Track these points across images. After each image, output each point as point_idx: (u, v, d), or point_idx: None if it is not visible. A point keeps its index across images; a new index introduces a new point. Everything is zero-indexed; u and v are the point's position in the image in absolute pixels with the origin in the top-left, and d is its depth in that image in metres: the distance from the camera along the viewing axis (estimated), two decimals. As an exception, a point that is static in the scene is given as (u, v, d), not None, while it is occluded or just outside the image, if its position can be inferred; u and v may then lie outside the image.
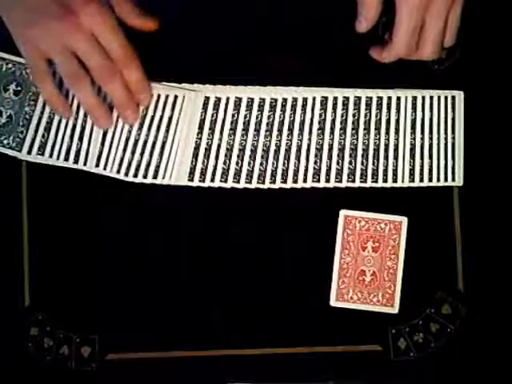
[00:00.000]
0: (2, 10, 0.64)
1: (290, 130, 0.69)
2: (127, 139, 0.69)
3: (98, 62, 0.62)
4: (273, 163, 0.69)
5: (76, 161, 0.69)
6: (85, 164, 0.69)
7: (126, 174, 0.68)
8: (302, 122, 0.69)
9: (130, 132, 0.69)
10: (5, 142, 0.70)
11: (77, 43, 0.62)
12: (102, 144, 0.69)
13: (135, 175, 0.68)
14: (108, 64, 0.62)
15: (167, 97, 0.69)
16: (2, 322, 0.69)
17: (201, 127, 0.69)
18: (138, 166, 0.69)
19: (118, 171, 0.69)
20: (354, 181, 0.69)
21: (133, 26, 0.65)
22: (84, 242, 0.69)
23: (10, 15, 0.64)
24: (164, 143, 0.69)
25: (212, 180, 0.69)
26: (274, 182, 0.69)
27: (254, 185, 0.69)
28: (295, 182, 0.69)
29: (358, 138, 0.69)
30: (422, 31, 0.63)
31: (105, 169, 0.69)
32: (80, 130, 0.69)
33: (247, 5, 0.69)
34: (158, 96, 0.69)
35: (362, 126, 0.69)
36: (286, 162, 0.69)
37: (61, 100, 0.66)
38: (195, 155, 0.69)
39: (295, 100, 0.69)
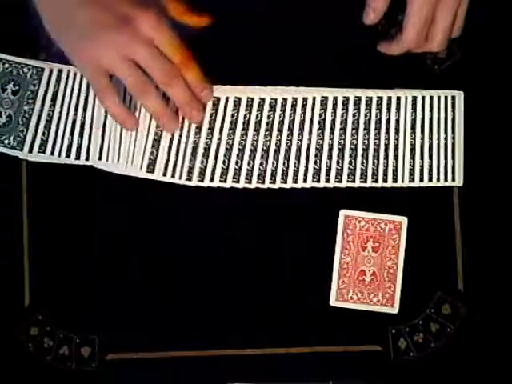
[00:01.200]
0: (54, 32, 0.63)
1: (290, 129, 0.69)
2: (131, 133, 0.69)
3: (161, 68, 0.61)
4: (273, 163, 0.69)
5: (78, 156, 0.69)
6: (87, 159, 0.69)
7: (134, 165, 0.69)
8: (302, 122, 0.69)
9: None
10: (6, 141, 0.70)
11: (137, 52, 0.61)
12: (103, 138, 0.69)
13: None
14: (170, 68, 0.62)
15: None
16: (2, 322, 0.69)
17: (199, 127, 0.69)
18: (142, 160, 0.69)
19: (118, 160, 0.69)
20: (353, 181, 0.69)
21: (187, 24, 0.64)
22: (84, 242, 0.69)
23: (64, 35, 0.63)
24: (160, 139, 0.69)
25: (211, 180, 0.69)
26: (274, 181, 0.69)
27: (253, 185, 0.69)
28: (295, 181, 0.69)
29: (358, 137, 0.69)
30: (431, 23, 0.63)
31: (107, 161, 0.69)
32: (80, 125, 0.69)
33: (246, 5, 0.69)
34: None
35: (362, 126, 0.69)
36: (285, 161, 0.69)
37: (128, 114, 0.65)
38: (194, 155, 0.69)
39: (295, 100, 0.69)
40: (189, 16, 0.64)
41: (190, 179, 0.69)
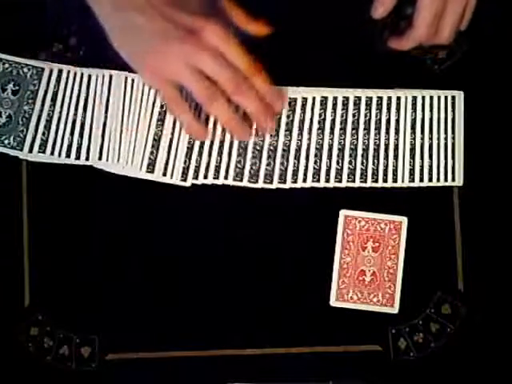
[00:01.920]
0: (119, 44, 0.63)
1: (289, 129, 0.69)
2: (131, 133, 0.69)
3: (229, 77, 0.61)
4: (272, 163, 0.69)
5: (78, 156, 0.69)
6: (87, 159, 0.69)
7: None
8: (302, 122, 0.69)
9: (132, 125, 0.69)
10: (6, 141, 0.70)
11: (204, 62, 0.60)
12: (103, 138, 0.69)
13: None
14: (237, 76, 0.61)
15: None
16: (2, 322, 0.69)
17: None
18: (142, 160, 0.69)
19: (118, 160, 0.69)
20: (353, 181, 0.69)
21: (248, 33, 0.64)
22: (84, 241, 0.69)
23: (129, 47, 0.63)
24: (160, 139, 0.69)
25: (205, 177, 0.69)
26: (271, 182, 0.69)
27: (260, 184, 0.69)
28: (294, 181, 0.69)
29: (358, 137, 0.69)
30: (441, 16, 0.63)
31: (107, 161, 0.69)
32: (80, 125, 0.69)
33: (246, 7, 0.69)
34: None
35: (361, 126, 0.69)
36: (284, 161, 0.69)
37: (201, 125, 0.65)
38: (188, 154, 0.69)
39: (295, 100, 0.69)
40: (251, 24, 0.64)
41: (184, 180, 0.69)
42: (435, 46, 0.66)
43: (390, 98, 0.70)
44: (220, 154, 0.69)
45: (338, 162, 0.69)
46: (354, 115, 0.69)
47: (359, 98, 0.69)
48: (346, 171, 0.69)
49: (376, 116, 0.69)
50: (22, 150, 0.69)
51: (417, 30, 0.64)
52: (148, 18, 0.60)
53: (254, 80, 0.62)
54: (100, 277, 0.69)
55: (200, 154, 0.69)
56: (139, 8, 0.60)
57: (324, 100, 0.69)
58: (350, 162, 0.69)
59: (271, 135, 0.69)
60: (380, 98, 0.70)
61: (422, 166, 0.69)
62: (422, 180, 0.69)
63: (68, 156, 0.69)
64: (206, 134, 0.67)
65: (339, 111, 0.69)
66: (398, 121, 0.70)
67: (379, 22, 0.66)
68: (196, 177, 0.69)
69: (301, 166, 0.69)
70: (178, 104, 0.63)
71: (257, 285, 0.69)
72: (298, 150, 0.69)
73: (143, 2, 0.60)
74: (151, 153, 0.69)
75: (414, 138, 0.69)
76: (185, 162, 0.69)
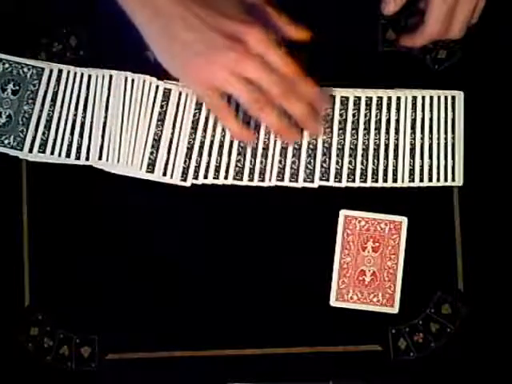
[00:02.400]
0: (162, 55, 0.63)
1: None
2: (131, 133, 0.69)
3: (275, 82, 0.61)
4: (271, 162, 0.69)
5: (78, 157, 0.69)
6: (87, 159, 0.69)
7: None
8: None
9: (132, 126, 0.69)
10: (6, 141, 0.70)
11: (250, 70, 0.60)
12: (103, 138, 0.69)
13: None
14: (284, 82, 0.61)
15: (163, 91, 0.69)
16: (2, 322, 0.69)
17: (195, 127, 0.69)
18: (142, 160, 0.69)
19: (118, 160, 0.69)
20: (353, 181, 0.69)
21: (289, 38, 0.64)
22: (84, 241, 0.69)
23: (172, 57, 0.62)
24: (160, 139, 0.69)
25: (205, 177, 0.69)
26: (263, 180, 0.69)
27: (255, 182, 0.69)
28: (293, 181, 0.69)
29: (357, 137, 0.69)
30: (453, 10, 0.63)
31: (107, 161, 0.69)
32: (80, 125, 0.69)
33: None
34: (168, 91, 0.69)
35: (362, 126, 0.69)
36: (282, 160, 0.69)
37: (248, 130, 0.65)
38: (188, 154, 0.69)
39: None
40: (293, 29, 0.64)
41: (184, 180, 0.69)
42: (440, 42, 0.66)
43: (389, 98, 0.70)
44: (220, 154, 0.69)
45: (337, 162, 0.69)
46: (353, 115, 0.69)
47: (359, 98, 0.69)
48: (345, 171, 0.69)
49: (376, 116, 0.69)
50: (22, 149, 0.69)
51: (429, 26, 0.64)
52: (190, 27, 0.60)
53: (299, 83, 0.62)
54: (100, 277, 0.69)
55: (200, 154, 0.69)
56: (188, 24, 0.60)
57: (324, 100, 0.69)
58: (350, 162, 0.69)
59: (266, 134, 0.69)
60: (380, 98, 0.70)
61: (421, 166, 0.69)
62: (421, 180, 0.69)
63: (68, 156, 0.69)
64: (254, 139, 0.67)
65: (338, 111, 0.69)
66: (398, 121, 0.70)
67: (381, 21, 0.66)
68: (196, 177, 0.69)
69: (301, 166, 0.69)
70: (225, 112, 0.63)
71: (257, 285, 0.69)
72: (299, 150, 0.69)
73: (191, 17, 0.60)
74: (151, 153, 0.69)
75: (414, 138, 0.69)
76: (185, 161, 0.69)
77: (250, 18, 0.61)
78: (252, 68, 0.60)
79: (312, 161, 0.69)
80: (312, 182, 0.69)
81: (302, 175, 0.69)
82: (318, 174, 0.69)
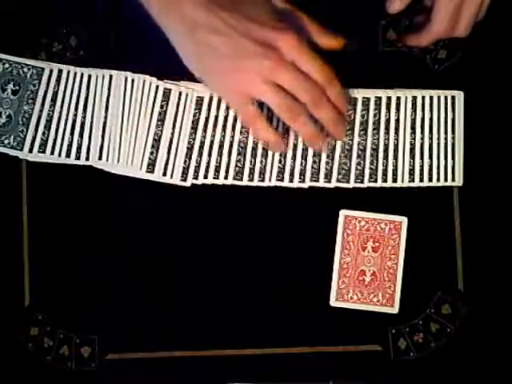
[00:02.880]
0: (197, 69, 0.63)
1: (286, 128, 0.69)
2: (131, 133, 0.69)
3: (307, 89, 0.60)
4: (269, 162, 0.69)
5: (78, 157, 0.69)
6: (87, 159, 0.69)
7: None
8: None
9: (132, 126, 0.69)
10: (6, 141, 0.70)
11: (283, 77, 0.60)
12: (103, 138, 0.69)
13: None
14: (316, 88, 0.61)
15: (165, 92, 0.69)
16: (2, 322, 0.69)
17: (195, 127, 0.69)
18: (142, 160, 0.69)
19: (118, 160, 0.69)
20: (354, 181, 0.69)
21: (322, 45, 0.64)
22: (84, 241, 0.69)
23: (206, 70, 0.62)
24: (160, 139, 0.69)
25: (205, 177, 0.69)
26: (263, 180, 0.69)
27: (255, 182, 0.69)
28: (292, 181, 0.69)
29: (356, 137, 0.69)
30: (460, 8, 0.63)
31: (107, 161, 0.69)
32: (80, 125, 0.69)
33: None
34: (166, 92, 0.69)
35: (361, 127, 0.69)
36: (282, 159, 0.69)
37: (279, 138, 0.65)
38: (188, 154, 0.69)
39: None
40: (325, 37, 0.64)
41: (184, 180, 0.69)
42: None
43: (389, 98, 0.70)
44: (220, 154, 0.69)
45: (334, 162, 0.69)
46: (349, 116, 0.69)
47: (355, 99, 0.69)
48: (335, 171, 0.69)
49: (375, 116, 0.69)
50: (22, 149, 0.69)
51: (436, 24, 0.64)
52: (223, 37, 0.60)
53: (329, 89, 0.61)
54: (100, 277, 0.69)
55: (200, 154, 0.69)
56: (213, 28, 0.60)
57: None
58: (346, 164, 0.69)
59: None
60: (379, 98, 0.70)
61: (421, 166, 0.69)
62: (422, 180, 0.69)
63: (68, 156, 0.69)
64: (286, 147, 0.67)
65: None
66: (397, 121, 0.70)
67: (381, 21, 0.66)
68: (196, 177, 0.69)
69: (296, 166, 0.69)
70: (258, 121, 0.63)
71: (257, 285, 0.69)
72: (295, 149, 0.69)
73: (217, 21, 0.60)
74: (151, 153, 0.69)
75: (414, 138, 0.69)
76: (185, 161, 0.69)
77: (281, 24, 0.60)
78: (286, 76, 0.60)
79: (317, 160, 0.69)
80: (317, 181, 0.69)
81: (308, 175, 0.69)
82: (322, 175, 0.69)
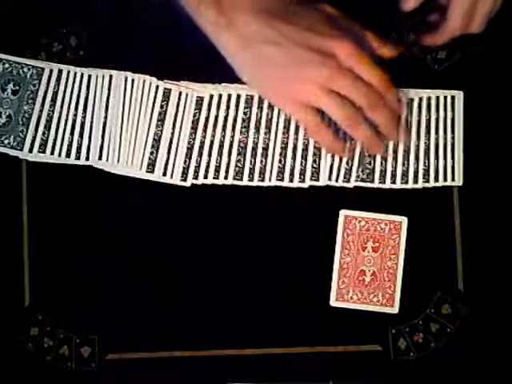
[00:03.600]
0: (253, 81, 0.63)
1: (286, 128, 0.69)
2: (131, 133, 0.69)
3: (365, 95, 0.61)
4: (266, 161, 0.69)
5: (78, 156, 0.69)
6: (87, 159, 0.69)
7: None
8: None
9: (132, 126, 0.69)
10: (6, 141, 0.70)
11: (341, 83, 0.60)
12: (103, 138, 0.69)
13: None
14: (373, 93, 0.61)
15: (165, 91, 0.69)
16: (2, 322, 0.69)
17: (195, 127, 0.69)
18: (142, 160, 0.69)
19: (118, 160, 0.69)
20: (349, 181, 0.69)
21: (382, 54, 0.64)
22: (84, 241, 0.69)
23: (263, 81, 0.63)
24: (160, 139, 0.69)
25: (205, 177, 0.69)
26: (263, 180, 0.69)
27: (255, 182, 0.69)
28: (292, 181, 0.69)
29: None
30: (475, 5, 0.63)
31: (107, 161, 0.69)
32: (80, 125, 0.69)
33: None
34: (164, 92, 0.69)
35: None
36: (282, 160, 0.69)
37: (342, 144, 0.65)
38: (188, 154, 0.69)
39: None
40: (385, 47, 0.64)
41: (184, 180, 0.69)
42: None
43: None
44: (220, 154, 0.69)
45: (336, 162, 0.69)
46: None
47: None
48: (343, 171, 0.69)
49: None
50: (22, 149, 0.70)
51: (452, 22, 0.64)
52: (279, 47, 0.60)
53: (386, 92, 0.62)
54: (100, 277, 0.69)
55: (200, 154, 0.69)
56: (268, 39, 0.60)
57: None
58: (347, 163, 0.69)
59: (266, 133, 0.69)
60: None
61: (421, 166, 0.69)
62: (425, 180, 0.69)
63: (68, 156, 0.69)
64: (348, 152, 0.67)
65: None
66: (397, 121, 0.70)
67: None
68: (196, 177, 0.69)
69: (297, 165, 0.69)
70: (319, 129, 0.63)
71: (257, 285, 0.69)
72: (295, 149, 0.69)
73: (272, 32, 0.60)
74: (151, 153, 0.69)
75: (417, 138, 0.69)
76: (185, 161, 0.69)
77: (336, 31, 0.61)
78: (345, 84, 0.60)
79: (317, 160, 0.69)
80: (304, 181, 0.69)
81: (308, 175, 0.69)
82: (322, 174, 0.69)
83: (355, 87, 0.60)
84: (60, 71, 0.70)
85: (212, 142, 0.69)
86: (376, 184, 0.69)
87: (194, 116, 0.69)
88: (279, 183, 0.69)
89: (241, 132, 0.69)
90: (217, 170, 0.69)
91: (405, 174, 0.69)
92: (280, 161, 0.69)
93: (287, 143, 0.69)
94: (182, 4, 0.62)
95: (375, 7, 0.68)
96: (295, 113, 0.63)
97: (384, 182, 0.69)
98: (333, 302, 0.69)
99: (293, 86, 0.61)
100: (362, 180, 0.69)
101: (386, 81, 0.61)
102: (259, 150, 0.69)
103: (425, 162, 0.69)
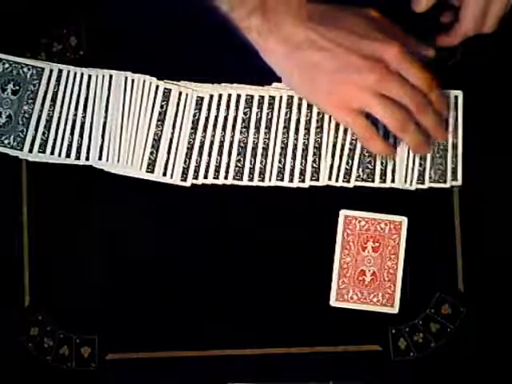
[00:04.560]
0: (299, 87, 0.63)
1: (286, 128, 0.69)
2: (131, 133, 0.69)
3: (414, 98, 0.60)
4: (266, 161, 0.69)
5: (78, 156, 0.69)
6: (87, 159, 0.69)
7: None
8: (298, 121, 0.69)
9: (132, 126, 0.69)
10: (6, 141, 0.70)
11: (390, 87, 0.60)
12: (103, 138, 0.69)
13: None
14: (421, 96, 0.61)
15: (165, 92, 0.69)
16: (2, 322, 0.69)
17: (195, 127, 0.69)
18: (142, 160, 0.69)
19: (118, 160, 0.69)
20: (349, 181, 0.69)
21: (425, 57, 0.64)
22: (84, 241, 0.69)
23: (310, 87, 0.63)
24: (160, 139, 0.69)
25: (205, 177, 0.69)
26: (263, 180, 0.69)
27: (255, 182, 0.69)
28: (292, 181, 0.69)
29: (356, 138, 0.69)
30: (488, 5, 0.63)
31: (107, 161, 0.69)
32: (80, 125, 0.69)
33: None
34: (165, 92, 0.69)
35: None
36: (282, 159, 0.69)
37: (391, 146, 0.65)
38: (188, 154, 0.69)
39: (291, 98, 0.69)
40: (428, 48, 0.65)
41: (184, 180, 0.69)
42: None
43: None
44: (220, 154, 0.69)
45: (336, 162, 0.69)
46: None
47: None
48: (342, 171, 0.69)
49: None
50: (22, 149, 0.70)
51: (466, 22, 0.64)
52: (326, 52, 0.60)
53: (432, 94, 0.62)
54: (100, 277, 0.69)
55: (200, 154, 0.69)
56: (315, 45, 0.60)
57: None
58: (348, 163, 0.69)
59: (266, 133, 0.69)
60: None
61: (424, 166, 0.69)
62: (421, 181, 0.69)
63: (68, 156, 0.69)
64: (394, 152, 0.67)
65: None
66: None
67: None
68: (196, 177, 0.69)
69: (296, 165, 0.69)
70: (369, 132, 0.62)
71: (257, 285, 0.69)
72: (295, 149, 0.69)
73: (318, 37, 0.60)
74: (151, 153, 0.69)
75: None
76: (185, 161, 0.69)
77: (381, 35, 0.61)
78: (394, 88, 0.60)
79: (317, 159, 0.69)
80: (304, 181, 0.69)
81: (308, 175, 0.69)
82: (322, 174, 0.69)
83: (405, 90, 0.60)
84: (60, 71, 0.70)
85: (212, 142, 0.69)
86: (377, 184, 0.69)
87: (194, 116, 0.69)
88: (279, 183, 0.69)
89: (241, 132, 0.69)
90: (217, 170, 0.69)
91: (414, 175, 0.69)
92: (280, 161, 0.69)
93: (287, 143, 0.69)
94: (224, 10, 0.61)
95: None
96: (346, 118, 0.62)
97: (384, 182, 0.69)
98: (333, 302, 0.69)
99: (342, 91, 0.61)
100: (363, 180, 0.69)
101: (431, 81, 0.61)
102: (259, 150, 0.69)
103: (425, 162, 0.69)
